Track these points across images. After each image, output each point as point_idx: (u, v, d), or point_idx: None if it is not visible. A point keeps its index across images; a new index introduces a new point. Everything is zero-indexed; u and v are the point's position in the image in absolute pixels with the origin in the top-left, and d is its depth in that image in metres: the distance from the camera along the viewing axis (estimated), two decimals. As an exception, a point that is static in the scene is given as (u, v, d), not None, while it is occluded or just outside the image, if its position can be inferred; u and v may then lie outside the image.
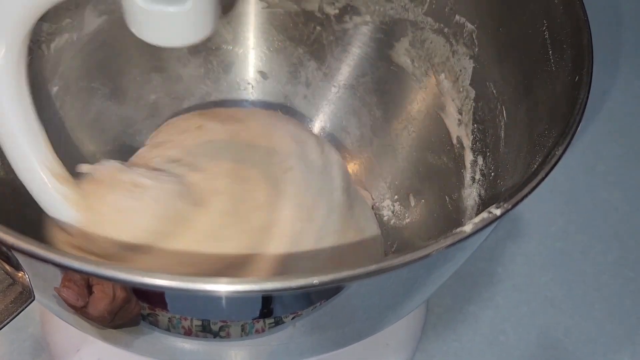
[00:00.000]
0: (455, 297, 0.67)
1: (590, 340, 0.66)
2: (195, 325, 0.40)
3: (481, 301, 0.68)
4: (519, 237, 0.72)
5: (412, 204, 0.63)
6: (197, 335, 0.41)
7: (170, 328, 0.41)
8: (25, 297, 0.40)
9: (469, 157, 0.58)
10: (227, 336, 0.41)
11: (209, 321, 0.40)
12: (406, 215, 0.63)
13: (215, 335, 0.41)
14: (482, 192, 0.55)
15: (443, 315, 0.66)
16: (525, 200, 0.38)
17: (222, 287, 0.32)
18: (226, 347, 0.45)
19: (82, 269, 0.32)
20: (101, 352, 0.57)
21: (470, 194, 0.56)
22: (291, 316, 0.40)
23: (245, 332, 0.41)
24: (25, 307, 0.40)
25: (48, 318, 0.60)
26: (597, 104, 0.82)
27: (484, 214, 0.36)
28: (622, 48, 0.88)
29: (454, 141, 0.59)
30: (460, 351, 0.65)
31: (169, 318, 0.40)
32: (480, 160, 0.56)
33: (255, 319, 0.40)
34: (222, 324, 0.40)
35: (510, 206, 0.37)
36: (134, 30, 0.43)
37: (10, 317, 0.39)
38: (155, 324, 0.41)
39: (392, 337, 0.61)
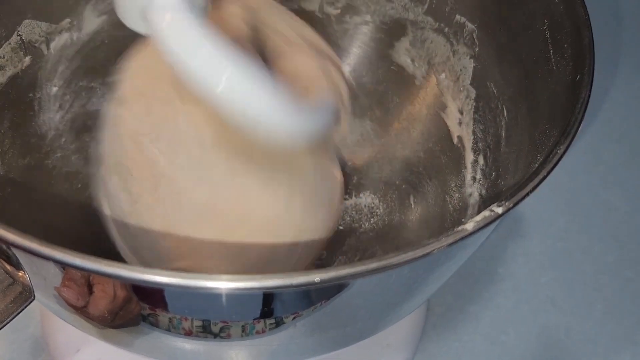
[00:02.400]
0: (456, 297, 0.67)
1: (591, 340, 0.66)
2: (196, 326, 0.40)
3: (482, 301, 0.67)
4: (519, 236, 0.72)
5: (413, 203, 0.63)
6: (197, 336, 0.41)
7: (171, 328, 0.41)
8: (26, 296, 0.40)
9: (469, 156, 0.58)
10: (228, 337, 0.41)
11: (209, 322, 0.40)
12: (407, 214, 0.63)
13: (216, 335, 0.40)
14: (483, 191, 0.55)
15: (444, 315, 0.66)
16: (526, 200, 0.38)
17: (223, 284, 0.32)
18: (227, 347, 0.45)
19: (82, 265, 0.32)
20: (101, 352, 0.57)
21: (471, 194, 0.56)
22: (292, 316, 0.40)
23: (245, 333, 0.41)
24: (26, 307, 0.40)
25: (48, 318, 0.60)
26: (597, 104, 0.82)
27: (486, 212, 0.36)
28: (622, 47, 0.88)
29: (455, 141, 0.59)
30: (461, 351, 0.65)
31: (170, 318, 0.40)
32: (481, 160, 0.56)
33: (255, 319, 0.40)
34: (222, 324, 0.40)
35: (512, 204, 0.37)
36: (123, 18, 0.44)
37: (10, 317, 0.39)
38: (155, 324, 0.40)
39: (393, 337, 0.60)
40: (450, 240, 0.35)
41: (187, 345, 0.44)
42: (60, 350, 0.59)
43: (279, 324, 0.40)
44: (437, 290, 0.50)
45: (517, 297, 0.68)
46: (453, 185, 0.59)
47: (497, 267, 0.70)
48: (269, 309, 0.39)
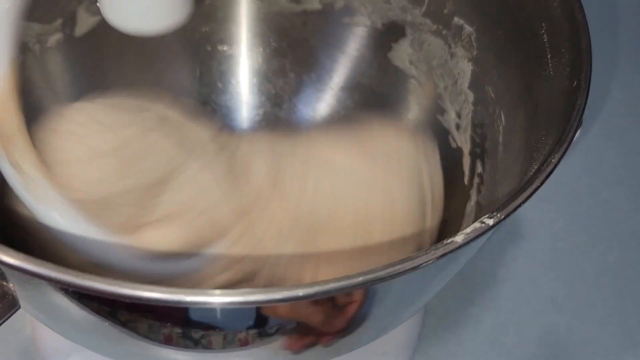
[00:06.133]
0: (457, 298, 0.67)
1: (592, 341, 0.66)
2: (176, 334, 0.40)
3: (483, 302, 0.67)
4: (520, 237, 0.72)
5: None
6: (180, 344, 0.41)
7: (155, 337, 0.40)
8: (11, 304, 0.39)
9: (467, 161, 0.57)
10: (209, 345, 0.40)
11: (189, 331, 0.39)
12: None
13: (201, 345, 0.40)
14: (481, 197, 0.55)
15: (444, 317, 0.66)
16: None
17: (216, 299, 0.32)
18: (213, 358, 0.44)
19: (62, 279, 0.32)
20: (91, 359, 0.57)
21: (469, 200, 0.56)
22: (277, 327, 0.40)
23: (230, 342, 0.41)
24: (11, 315, 0.39)
25: (38, 324, 0.59)
26: (598, 104, 0.82)
27: (477, 224, 0.36)
28: (622, 47, 0.87)
29: (453, 145, 0.59)
30: (462, 352, 0.64)
31: (161, 329, 0.39)
32: (478, 165, 0.56)
33: (249, 328, 0.39)
34: (203, 333, 0.39)
35: (503, 216, 0.36)
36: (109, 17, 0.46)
37: (-2, 324, 0.39)
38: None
39: (388, 345, 0.60)
40: (439, 253, 0.35)
41: (180, 356, 0.43)
42: (50, 356, 0.59)
43: (268, 334, 0.40)
44: (436, 293, 0.49)
45: (518, 298, 0.68)
46: (450, 190, 0.58)
47: (498, 268, 0.69)
48: (260, 320, 0.38)
